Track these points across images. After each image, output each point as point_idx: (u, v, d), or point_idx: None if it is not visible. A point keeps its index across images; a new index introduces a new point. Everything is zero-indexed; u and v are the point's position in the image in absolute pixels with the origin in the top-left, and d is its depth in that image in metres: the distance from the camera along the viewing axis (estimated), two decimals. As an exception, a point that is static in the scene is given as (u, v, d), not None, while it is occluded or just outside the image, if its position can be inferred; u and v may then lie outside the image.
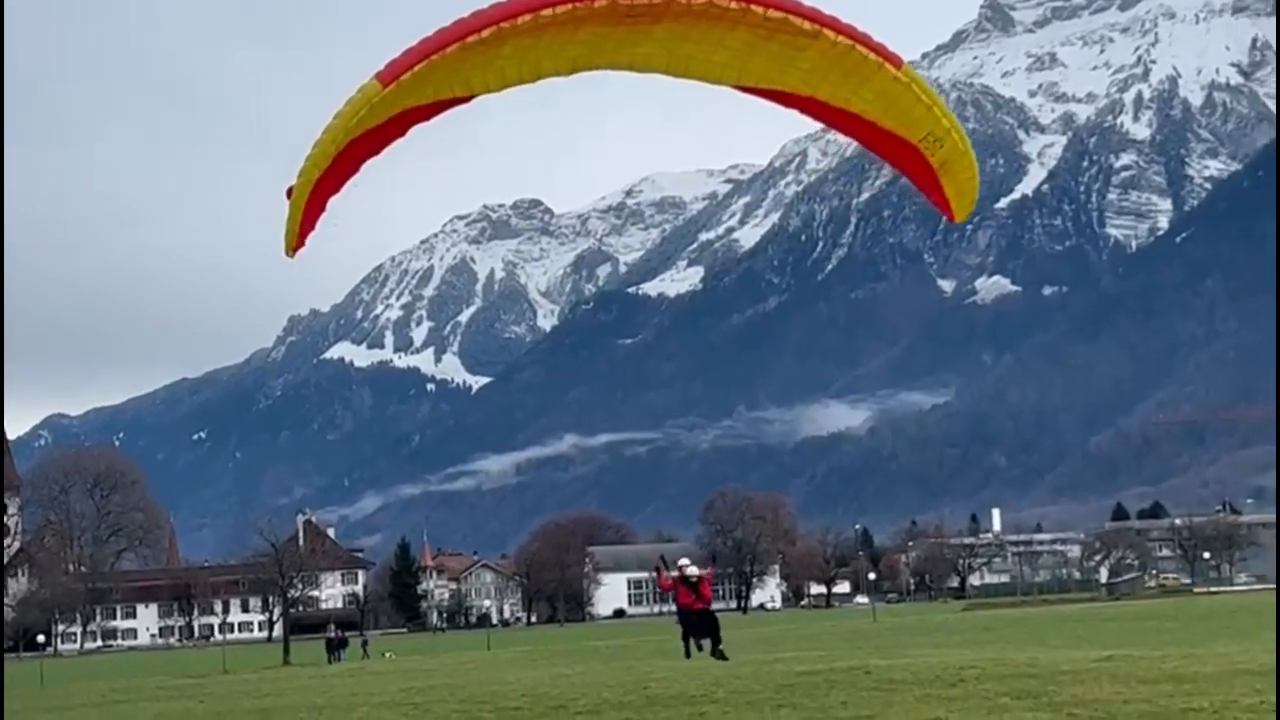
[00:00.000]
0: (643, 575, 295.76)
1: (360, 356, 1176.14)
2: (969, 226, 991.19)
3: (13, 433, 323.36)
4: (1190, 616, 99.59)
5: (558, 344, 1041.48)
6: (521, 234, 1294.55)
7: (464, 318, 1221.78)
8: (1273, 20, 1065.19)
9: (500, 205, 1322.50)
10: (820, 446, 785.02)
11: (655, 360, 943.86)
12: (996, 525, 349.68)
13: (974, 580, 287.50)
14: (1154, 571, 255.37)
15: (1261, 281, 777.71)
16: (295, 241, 20.49)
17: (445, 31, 19.32)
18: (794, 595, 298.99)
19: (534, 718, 39.92)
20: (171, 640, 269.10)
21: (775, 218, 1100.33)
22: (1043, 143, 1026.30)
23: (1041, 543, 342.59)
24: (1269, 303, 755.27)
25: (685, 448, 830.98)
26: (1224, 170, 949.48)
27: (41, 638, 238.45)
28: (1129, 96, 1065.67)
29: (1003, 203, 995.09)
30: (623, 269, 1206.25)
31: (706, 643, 39.29)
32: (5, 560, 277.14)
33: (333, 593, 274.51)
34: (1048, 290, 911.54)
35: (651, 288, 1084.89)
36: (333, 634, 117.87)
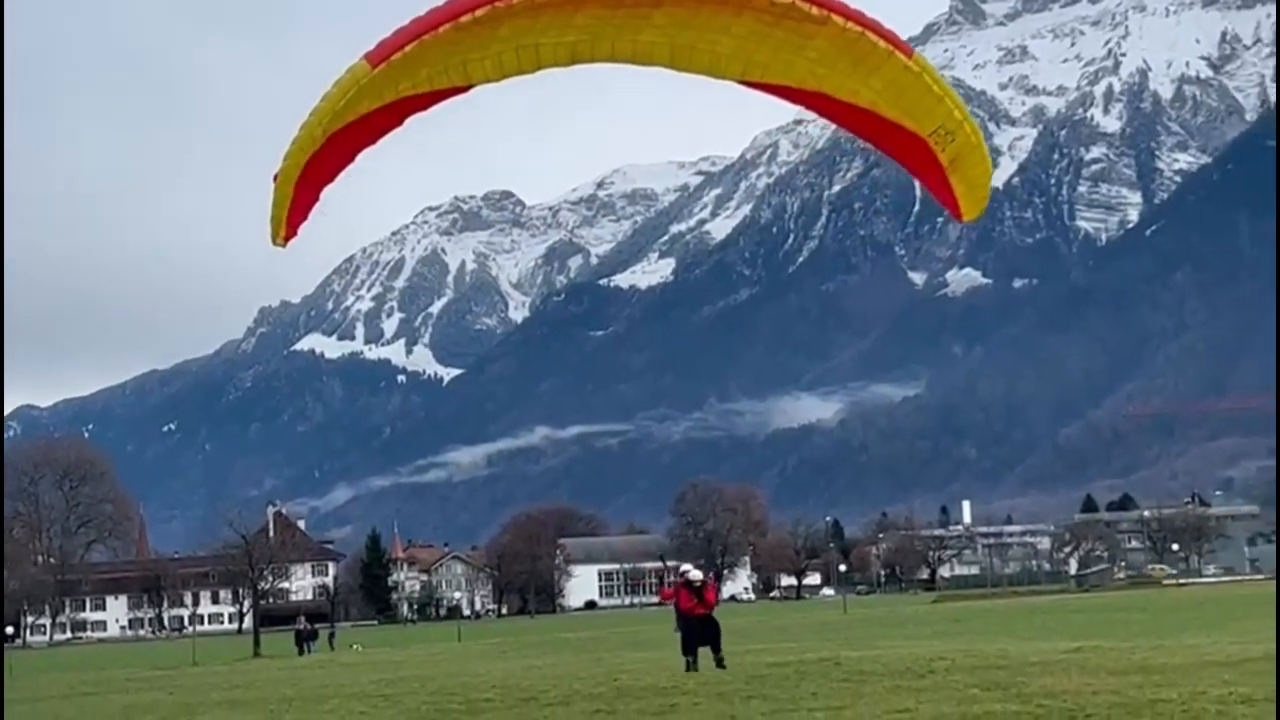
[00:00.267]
0: (614, 567, 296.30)
1: (331, 348, 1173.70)
2: (939, 219, 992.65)
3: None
4: (1159, 608, 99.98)
5: (529, 336, 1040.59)
6: (493, 225, 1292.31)
7: (435, 309, 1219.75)
8: (1242, 14, 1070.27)
9: (471, 197, 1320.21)
10: (791, 438, 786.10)
11: (626, 352, 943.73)
12: (966, 517, 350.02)
13: (944, 572, 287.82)
14: (1152, 567, 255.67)
15: (1230, 274, 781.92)
16: (284, 230, 19.82)
17: (437, 10, 18.76)
18: (764, 587, 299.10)
19: (504, 709, 39.92)
20: (141, 632, 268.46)
21: (746, 210, 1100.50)
22: (1013, 135, 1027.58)
23: (1011, 535, 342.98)
24: (1238, 295, 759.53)
25: (656, 440, 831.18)
26: (1194, 164, 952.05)
27: (10, 630, 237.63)
28: (1099, 89, 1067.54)
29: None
30: (594, 261, 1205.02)
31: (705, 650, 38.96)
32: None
33: (303, 584, 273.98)
34: (1018, 283, 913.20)
35: (623, 279, 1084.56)
36: (302, 626, 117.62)
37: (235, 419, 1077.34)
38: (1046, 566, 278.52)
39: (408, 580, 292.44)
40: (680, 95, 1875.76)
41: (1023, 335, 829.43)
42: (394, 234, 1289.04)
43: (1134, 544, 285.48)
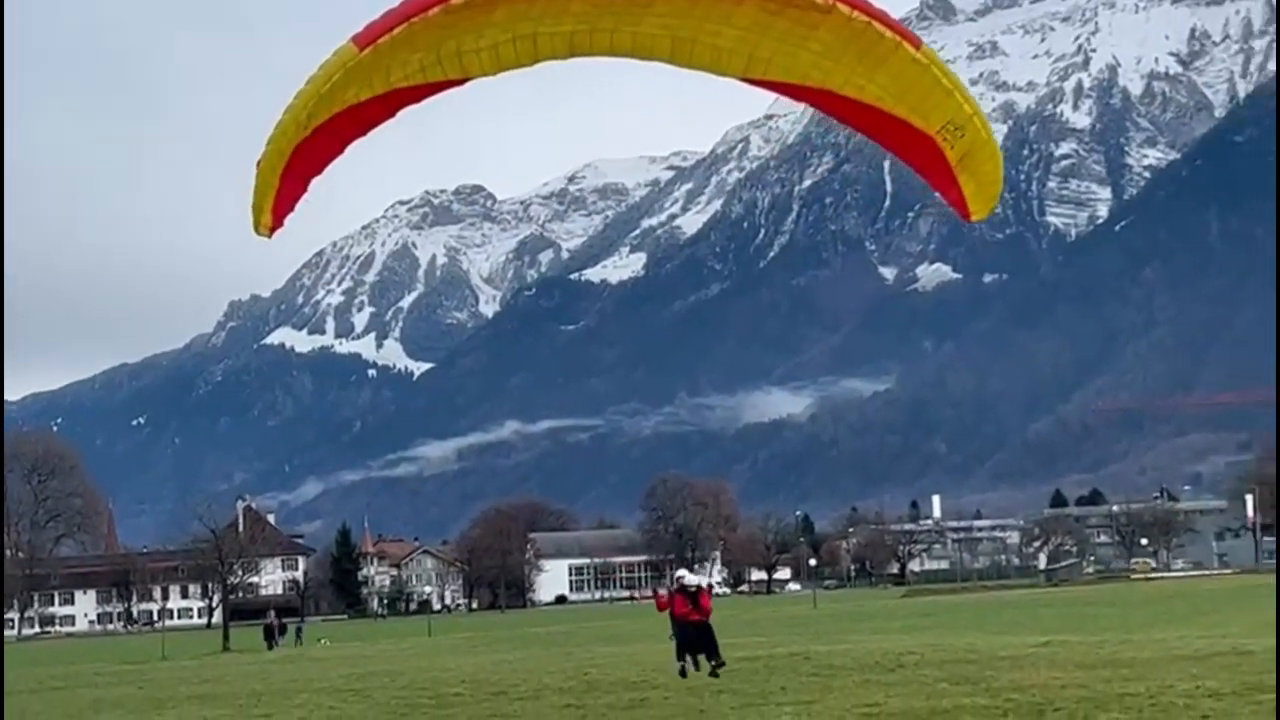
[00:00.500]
0: (584, 561, 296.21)
1: (301, 342, 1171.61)
2: (910, 214, 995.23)
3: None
4: (1127, 603, 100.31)
5: (499, 330, 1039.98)
6: (463, 220, 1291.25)
7: (405, 303, 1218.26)
8: (1211, 10, 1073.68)
9: (442, 191, 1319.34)
10: (762, 433, 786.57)
11: (597, 347, 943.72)
12: (936, 512, 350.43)
13: (914, 566, 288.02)
14: (1135, 561, 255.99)
15: (1199, 270, 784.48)
16: (268, 219, 19.14)
17: None
18: (734, 581, 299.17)
19: (474, 704, 39.93)
20: (110, 626, 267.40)
21: (717, 205, 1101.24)
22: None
23: (981, 529, 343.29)
24: (1207, 291, 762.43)
25: (627, 434, 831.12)
26: (1163, 159, 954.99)
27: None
28: (1069, 85, 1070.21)
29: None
30: (565, 255, 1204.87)
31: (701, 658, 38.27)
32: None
33: (273, 579, 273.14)
34: (988, 278, 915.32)
35: (594, 274, 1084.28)
36: (271, 620, 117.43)
37: (205, 413, 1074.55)
38: (1015, 561, 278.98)
39: (378, 575, 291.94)
40: (652, 90, 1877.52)
41: (992, 330, 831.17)
42: (364, 228, 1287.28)
43: (1103, 539, 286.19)
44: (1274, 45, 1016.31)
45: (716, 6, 18.98)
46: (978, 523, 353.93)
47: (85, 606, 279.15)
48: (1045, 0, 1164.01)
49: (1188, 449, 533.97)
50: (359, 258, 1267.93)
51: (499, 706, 38.18)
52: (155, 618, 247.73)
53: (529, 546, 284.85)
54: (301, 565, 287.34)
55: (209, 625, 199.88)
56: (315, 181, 19.69)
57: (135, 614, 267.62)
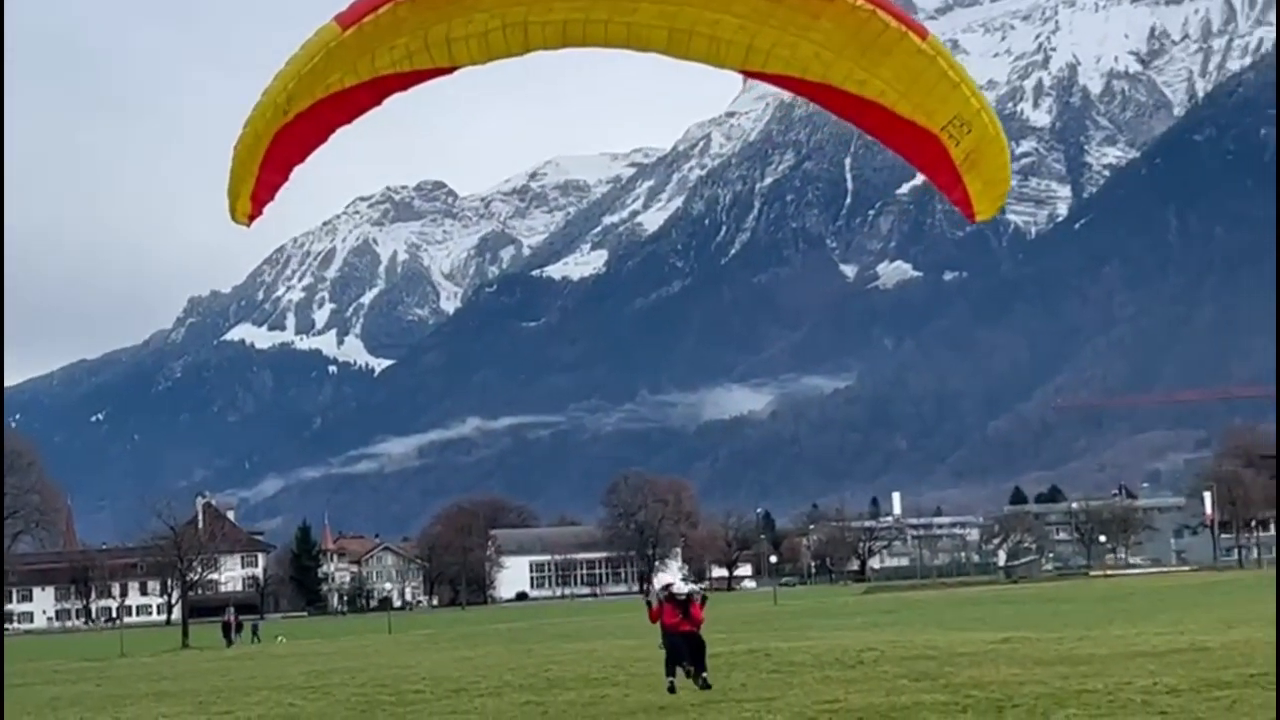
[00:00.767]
0: (545, 558, 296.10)
1: (261, 338, 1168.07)
2: (871, 212, 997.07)
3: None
4: (1086, 599, 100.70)
5: (461, 327, 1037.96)
6: (425, 216, 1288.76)
7: (366, 300, 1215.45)
8: (1170, 9, 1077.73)
9: (403, 187, 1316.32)
10: (723, 430, 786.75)
11: (558, 343, 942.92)
12: (897, 509, 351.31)
13: (874, 563, 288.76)
14: (1108, 556, 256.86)
15: (1158, 268, 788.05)
16: (246, 207, 18.55)
17: None
18: (696, 578, 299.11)
19: (435, 700, 39.86)
20: (69, 623, 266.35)
21: (679, 202, 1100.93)
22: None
23: (941, 526, 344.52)
24: (1165, 289, 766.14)
25: (588, 431, 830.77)
26: (1122, 158, 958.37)
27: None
28: (1029, 84, 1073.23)
29: (904, 188, 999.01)
30: (526, 252, 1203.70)
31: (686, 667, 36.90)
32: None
33: (233, 576, 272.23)
34: (948, 276, 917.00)
35: (555, 271, 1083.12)
36: (229, 618, 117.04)
37: (165, 409, 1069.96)
38: (975, 558, 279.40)
39: (338, 572, 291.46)
40: (614, 87, 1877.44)
41: (953, 328, 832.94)
42: (325, 224, 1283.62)
43: (1062, 536, 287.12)
44: (1229, 44, 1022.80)
45: None
46: (938, 520, 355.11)
47: (44, 603, 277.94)
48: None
49: (1146, 446, 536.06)
50: (320, 254, 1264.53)
51: (460, 703, 38.11)
52: (114, 615, 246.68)
53: (490, 543, 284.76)
54: (261, 562, 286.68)
55: (168, 622, 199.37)
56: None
57: (94, 611, 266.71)
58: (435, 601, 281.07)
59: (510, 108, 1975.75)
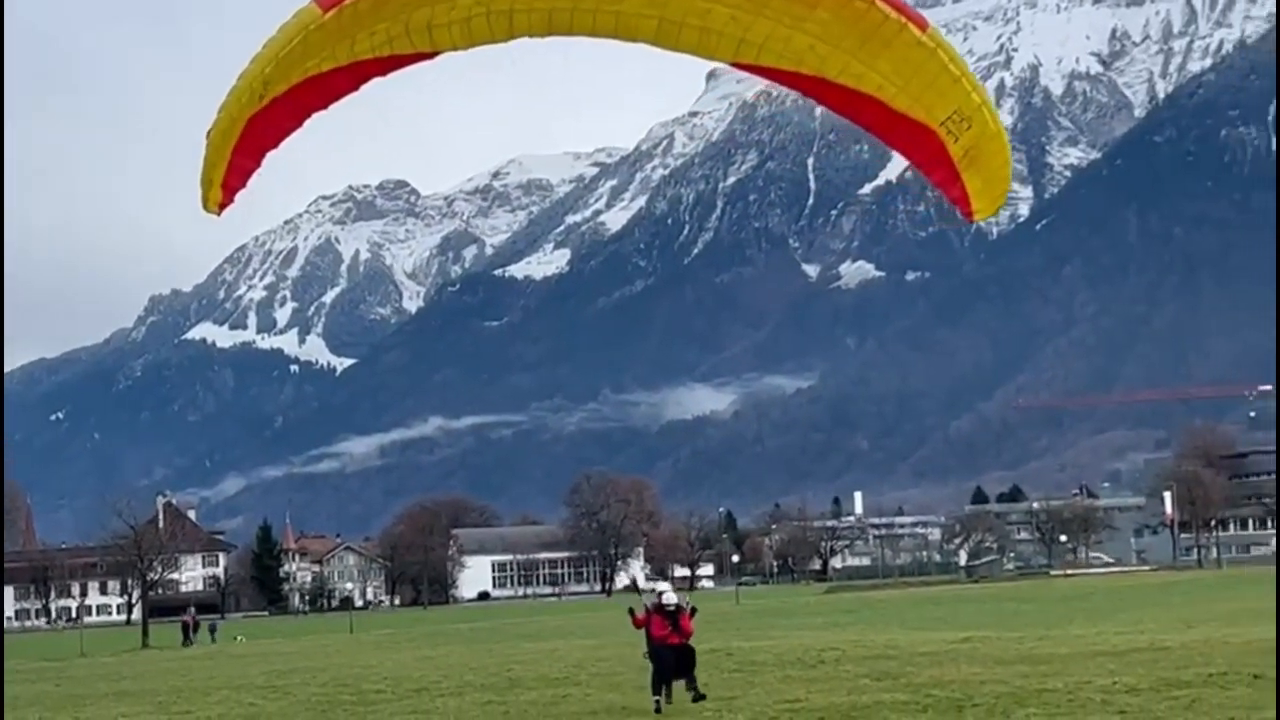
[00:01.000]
0: (507, 558, 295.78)
1: (222, 337, 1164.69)
2: (833, 212, 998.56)
3: None
4: (1047, 599, 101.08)
5: (423, 326, 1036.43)
6: (387, 215, 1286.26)
7: (328, 299, 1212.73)
8: (1132, 11, 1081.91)
9: (366, 186, 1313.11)
10: (685, 429, 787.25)
11: (521, 343, 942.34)
12: (858, 508, 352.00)
13: (836, 563, 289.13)
14: (1078, 555, 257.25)
15: (1119, 269, 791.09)
16: (217, 195, 17.94)
17: None
18: (659, 577, 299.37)
19: (396, 700, 39.85)
20: (29, 623, 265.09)
21: (642, 201, 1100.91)
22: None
23: (902, 526, 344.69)
24: (1126, 290, 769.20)
25: (551, 430, 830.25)
26: (1083, 159, 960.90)
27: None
28: (991, 84, 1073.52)
29: (866, 189, 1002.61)
30: (489, 251, 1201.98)
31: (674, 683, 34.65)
32: None
33: (193, 575, 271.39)
34: (910, 276, 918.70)
35: (518, 270, 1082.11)
36: (188, 618, 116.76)
37: (125, 408, 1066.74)
38: (937, 557, 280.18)
39: (299, 571, 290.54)
40: (577, 85, 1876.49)
41: (914, 328, 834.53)
42: (287, 223, 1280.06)
43: (1023, 535, 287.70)
44: (1190, 45, 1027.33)
45: None
46: (899, 519, 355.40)
47: (4, 603, 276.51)
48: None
49: (1107, 446, 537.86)
50: (281, 253, 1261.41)
51: (421, 703, 38.10)
52: (74, 614, 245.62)
53: (452, 543, 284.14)
54: (222, 562, 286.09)
55: (129, 622, 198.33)
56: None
57: (54, 611, 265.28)
58: (397, 601, 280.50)
59: (473, 107, 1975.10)
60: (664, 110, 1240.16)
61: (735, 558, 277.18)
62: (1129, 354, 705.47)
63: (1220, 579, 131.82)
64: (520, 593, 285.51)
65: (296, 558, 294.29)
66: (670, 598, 30.74)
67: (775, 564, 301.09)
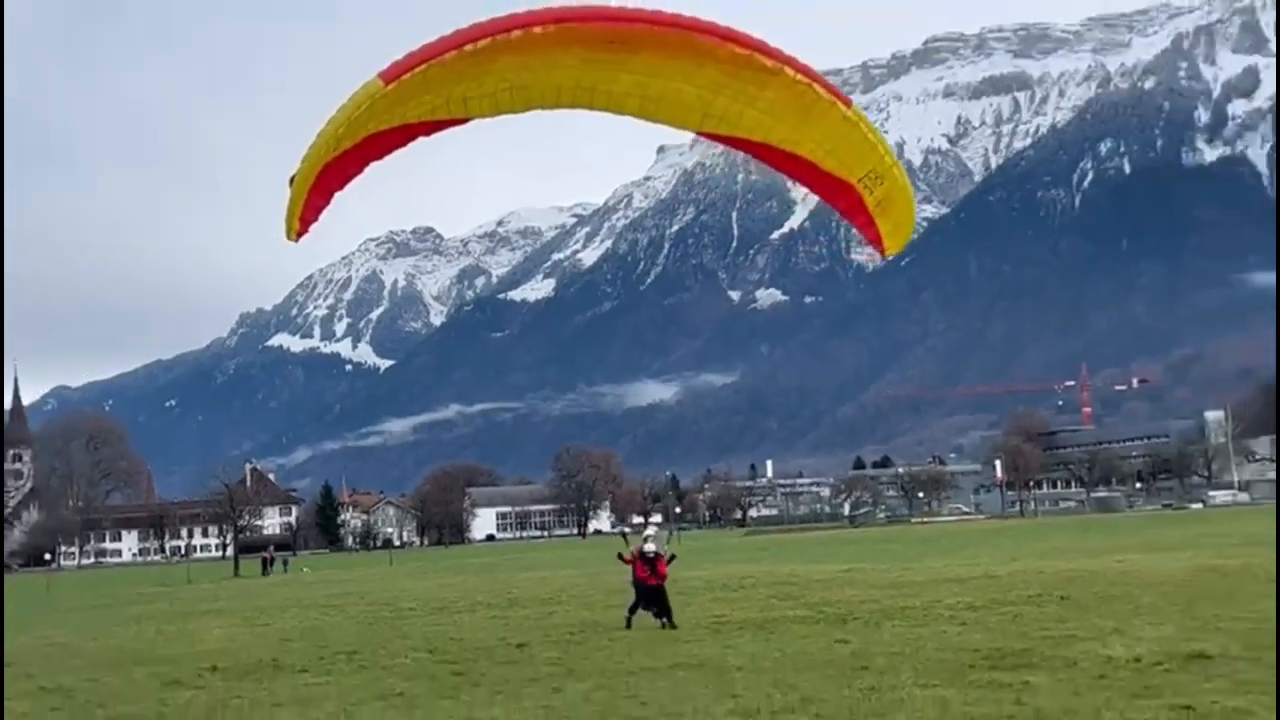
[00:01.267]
0: (508, 509, 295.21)
1: (295, 344, 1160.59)
2: (752, 251, 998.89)
3: (26, 400, 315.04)
4: (908, 540, 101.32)
5: (445, 336, 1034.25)
6: (418, 253, 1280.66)
7: (374, 315, 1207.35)
8: (972, 103, 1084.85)
9: (403, 230, 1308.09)
10: (641, 414, 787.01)
11: (518, 349, 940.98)
12: (769, 472, 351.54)
13: (753, 513, 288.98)
14: (932, 508, 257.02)
15: (961, 295, 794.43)
16: (297, 225, 17.69)
17: (446, 39, 16.74)
18: (621, 523, 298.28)
19: (424, 615, 39.76)
20: (149, 559, 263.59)
21: (609, 243, 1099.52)
22: (806, 190, 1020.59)
23: (802, 485, 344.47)
24: (967, 310, 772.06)
25: (541, 414, 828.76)
26: (936, 213, 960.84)
27: (48, 556, 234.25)
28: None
29: (776, 234, 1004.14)
30: (494, 280, 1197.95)
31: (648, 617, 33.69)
32: (20, 498, 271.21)
33: (272, 522, 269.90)
34: (808, 299, 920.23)
35: (516, 295, 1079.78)
36: (267, 554, 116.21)
37: (221, 398, 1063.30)
38: (827, 509, 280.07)
39: (352, 519, 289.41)
40: (562, 156, 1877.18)
41: (811, 339, 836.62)
42: (343, 258, 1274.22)
43: (891, 493, 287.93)
44: (1015, 128, 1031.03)
45: (682, 67, 17.64)
46: (800, 480, 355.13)
47: (130, 543, 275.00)
48: (852, 94, 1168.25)
49: (953, 427, 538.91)
50: (339, 280, 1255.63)
51: (443, 618, 38.03)
52: (183, 551, 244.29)
53: (466, 498, 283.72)
54: (294, 512, 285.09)
55: (224, 557, 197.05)
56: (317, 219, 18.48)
57: (168, 549, 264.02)
58: (425, 542, 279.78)
59: (484, 172, 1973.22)
60: (625, 175, 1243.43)
61: (677, 509, 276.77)
62: (969, 359, 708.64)
63: (1036, 526, 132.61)
64: (518, 535, 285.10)
65: (350, 509, 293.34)
66: (649, 547, 29.99)
67: (707, 514, 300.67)
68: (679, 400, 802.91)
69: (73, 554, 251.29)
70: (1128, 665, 19.72)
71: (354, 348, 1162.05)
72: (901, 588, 39.33)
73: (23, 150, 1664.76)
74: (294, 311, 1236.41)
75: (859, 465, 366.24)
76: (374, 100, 16.67)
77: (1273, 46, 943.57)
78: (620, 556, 31.41)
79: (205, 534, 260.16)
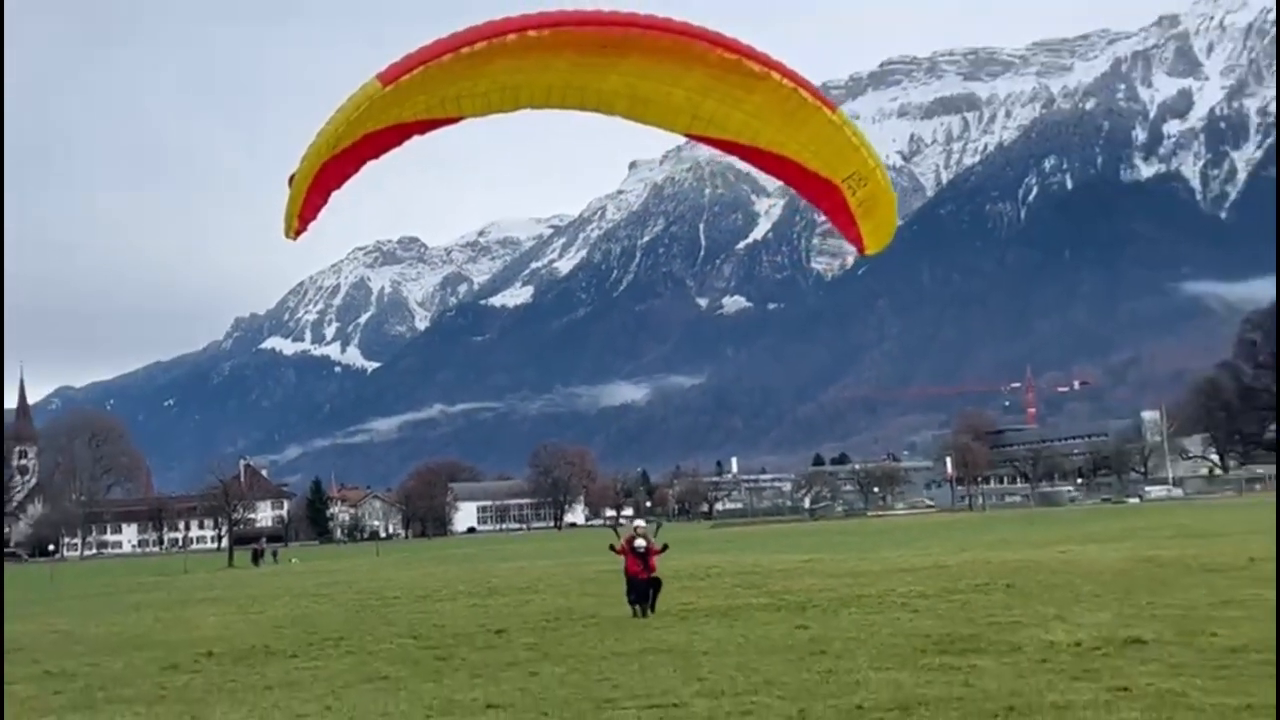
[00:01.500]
0: (488, 503, 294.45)
1: (287, 347, 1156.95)
2: (718, 260, 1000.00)
3: (31, 399, 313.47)
4: (864, 533, 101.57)
5: (429, 340, 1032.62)
6: (403, 261, 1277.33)
7: (362, 320, 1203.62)
8: (925, 122, 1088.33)
9: (389, 240, 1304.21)
10: (614, 413, 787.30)
11: (499, 352, 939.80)
12: (734, 468, 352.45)
13: (719, 507, 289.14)
14: (886, 502, 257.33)
15: (915, 302, 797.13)
16: (296, 224, 17.11)
17: (443, 42, 16.23)
18: (594, 516, 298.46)
19: (409, 603, 39.69)
20: (148, 550, 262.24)
21: (584, 252, 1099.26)
22: (769, 203, 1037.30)
23: (765, 481, 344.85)
24: (920, 317, 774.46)
25: (519, 414, 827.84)
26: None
27: (52, 547, 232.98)
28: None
29: (740, 245, 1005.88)
30: (476, 287, 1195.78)
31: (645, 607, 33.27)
32: (26, 492, 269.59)
33: (265, 515, 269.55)
34: (771, 306, 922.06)
35: (496, 301, 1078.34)
36: (258, 545, 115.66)
37: (217, 398, 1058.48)
38: (789, 503, 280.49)
39: (341, 513, 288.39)
40: (540, 170, 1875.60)
41: (774, 343, 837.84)
42: (333, 265, 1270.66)
43: (848, 488, 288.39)
44: (965, 146, 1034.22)
45: (671, 70, 17.11)
46: (763, 476, 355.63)
47: (130, 535, 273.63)
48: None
49: (906, 425, 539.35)
50: (329, 287, 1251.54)
51: (426, 606, 37.97)
52: (180, 543, 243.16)
53: (449, 492, 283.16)
54: (286, 506, 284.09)
55: (219, 548, 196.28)
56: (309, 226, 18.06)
57: (165, 540, 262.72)
58: (410, 534, 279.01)
59: (466, 183, 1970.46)
60: (599, 189, 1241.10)
61: (648, 503, 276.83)
62: (922, 362, 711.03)
63: (983, 519, 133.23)
64: (497, 528, 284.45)
65: (339, 503, 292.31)
66: (640, 543, 29.50)
67: (676, 507, 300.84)
68: (649, 400, 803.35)
69: (75, 545, 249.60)
70: (1069, 649, 19.84)
71: (343, 350, 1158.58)
72: (858, 577, 39.43)
73: (25, 161, 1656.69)
74: (286, 316, 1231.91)
75: (818, 462, 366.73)
76: (372, 101, 16.32)
77: (1205, 71, 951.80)
78: (611, 547, 31.13)
79: (202, 526, 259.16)
